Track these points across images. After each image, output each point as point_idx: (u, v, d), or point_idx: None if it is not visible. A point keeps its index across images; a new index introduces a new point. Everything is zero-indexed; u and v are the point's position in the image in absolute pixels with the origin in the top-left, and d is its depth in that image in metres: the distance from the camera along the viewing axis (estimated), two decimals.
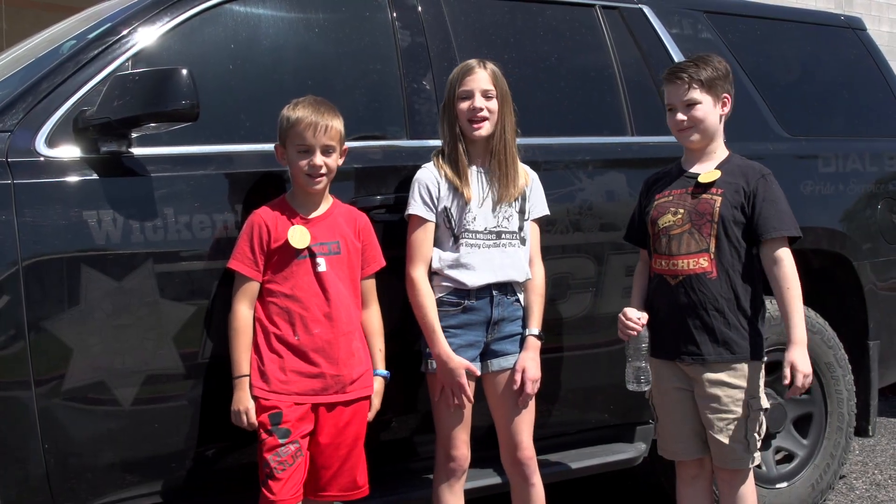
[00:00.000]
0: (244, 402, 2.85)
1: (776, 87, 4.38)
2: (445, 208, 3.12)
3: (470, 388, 3.13)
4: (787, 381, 3.02)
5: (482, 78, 3.13)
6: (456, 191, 3.12)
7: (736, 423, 3.09)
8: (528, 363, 3.15)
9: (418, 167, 3.25)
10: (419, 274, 3.09)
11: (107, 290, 2.76)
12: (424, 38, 3.47)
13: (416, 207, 3.10)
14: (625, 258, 3.60)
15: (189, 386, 2.93)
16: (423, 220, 3.10)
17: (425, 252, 3.11)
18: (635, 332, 3.10)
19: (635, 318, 3.12)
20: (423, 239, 3.11)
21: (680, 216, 3.12)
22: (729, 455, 3.10)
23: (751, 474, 3.19)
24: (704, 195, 3.12)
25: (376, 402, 3.04)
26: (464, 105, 3.12)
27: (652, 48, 4.03)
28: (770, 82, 4.36)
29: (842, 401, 4.14)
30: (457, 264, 3.12)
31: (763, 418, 3.15)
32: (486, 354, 3.18)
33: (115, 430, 2.84)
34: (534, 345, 3.18)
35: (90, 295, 2.74)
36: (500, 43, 3.70)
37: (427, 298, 3.08)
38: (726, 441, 3.09)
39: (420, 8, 3.51)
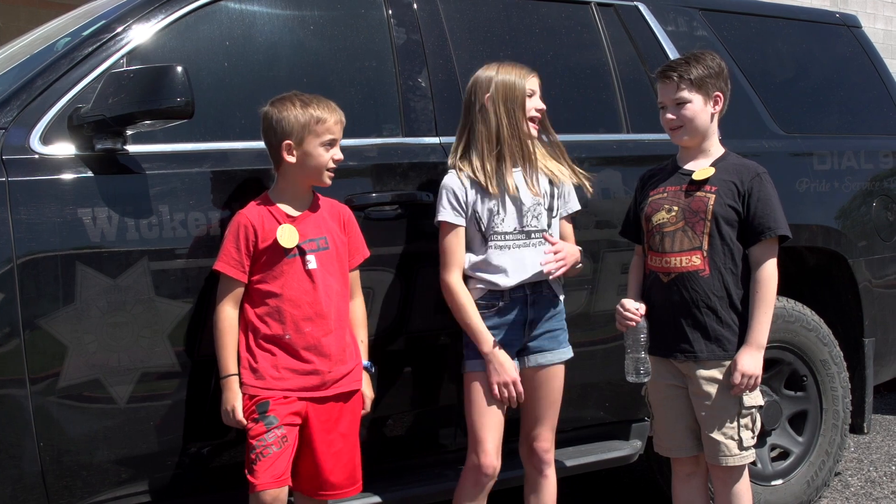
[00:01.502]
0: (231, 402, 2.85)
1: (771, 84, 4.39)
2: (475, 211, 3.12)
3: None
4: (731, 376, 3.06)
5: (537, 83, 3.20)
6: (485, 193, 3.12)
7: (729, 420, 3.09)
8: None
9: (414, 164, 3.26)
10: (455, 279, 3.11)
11: (102, 288, 2.76)
12: (420, 36, 3.46)
13: (445, 214, 3.11)
14: (620, 256, 3.60)
15: (184, 383, 2.92)
16: (454, 226, 3.11)
17: (459, 257, 3.12)
18: (633, 323, 3.09)
19: (633, 308, 3.11)
20: (455, 244, 3.11)
21: (674, 213, 3.12)
22: (723, 452, 3.10)
23: (745, 471, 3.19)
24: (698, 193, 3.12)
25: (369, 393, 3.05)
26: (530, 104, 3.17)
27: (647, 45, 4.03)
28: (765, 79, 4.36)
29: (837, 398, 4.15)
30: (487, 266, 3.13)
31: (757, 415, 3.15)
32: (524, 351, 3.18)
33: (111, 427, 2.84)
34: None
35: (85, 292, 2.74)
36: (496, 40, 3.69)
37: (467, 300, 3.10)
38: (720, 438, 3.09)
39: (415, 5, 3.50)
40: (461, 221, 3.12)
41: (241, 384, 2.85)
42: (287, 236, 2.87)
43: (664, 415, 3.22)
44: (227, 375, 2.85)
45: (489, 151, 3.13)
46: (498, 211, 3.12)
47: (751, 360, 3.05)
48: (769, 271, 3.08)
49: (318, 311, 2.89)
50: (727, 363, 3.09)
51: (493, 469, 3.13)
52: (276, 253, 2.87)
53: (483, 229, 3.13)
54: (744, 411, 3.10)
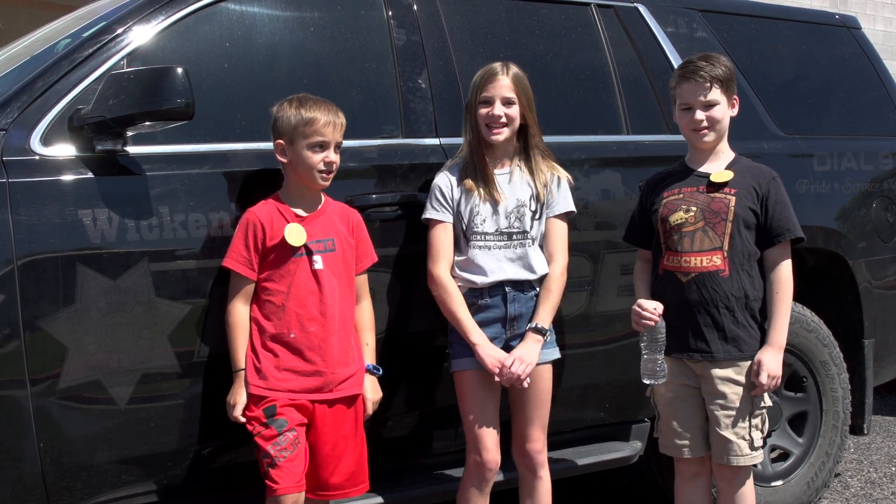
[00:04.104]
0: (235, 396, 2.86)
1: (771, 85, 4.39)
2: (459, 210, 3.16)
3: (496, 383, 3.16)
4: (754, 378, 3.07)
5: (504, 85, 3.16)
6: (468, 194, 3.15)
7: (742, 420, 3.10)
8: (519, 353, 3.11)
9: (414, 165, 3.27)
10: (442, 271, 3.14)
11: (102, 289, 2.76)
12: (420, 37, 3.47)
13: (430, 212, 3.17)
14: (620, 257, 3.60)
15: (184, 385, 2.93)
16: (439, 222, 3.16)
17: (447, 251, 3.16)
18: (652, 323, 3.08)
19: (651, 308, 3.10)
20: (442, 239, 3.16)
21: (693, 213, 3.12)
22: (734, 452, 3.10)
23: (751, 474, 3.19)
24: (717, 194, 3.12)
25: (373, 395, 3.04)
26: (483, 111, 3.16)
27: (647, 47, 4.03)
28: (765, 81, 4.36)
29: (837, 399, 4.15)
30: (469, 265, 3.16)
31: (766, 416, 3.17)
32: (506, 350, 3.18)
33: (111, 428, 2.83)
34: (531, 338, 3.15)
35: (86, 293, 2.74)
36: (496, 41, 3.70)
37: (455, 292, 3.13)
38: (732, 438, 3.10)
39: (415, 6, 3.50)
40: (446, 218, 3.16)
41: (246, 383, 2.86)
42: (295, 235, 2.88)
43: (673, 415, 3.21)
44: (238, 370, 2.87)
45: (470, 152, 3.20)
46: (479, 211, 3.15)
47: (774, 361, 3.08)
48: (787, 273, 3.12)
49: (322, 312, 2.90)
50: (742, 363, 3.10)
51: (495, 464, 3.16)
52: (284, 251, 2.88)
53: (465, 229, 3.16)
54: (756, 411, 3.12)
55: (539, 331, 3.16)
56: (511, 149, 3.23)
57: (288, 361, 2.87)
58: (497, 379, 3.11)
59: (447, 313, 3.14)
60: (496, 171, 3.20)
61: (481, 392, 3.16)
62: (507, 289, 3.16)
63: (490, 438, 3.15)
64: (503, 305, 3.16)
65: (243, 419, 2.86)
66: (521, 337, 3.17)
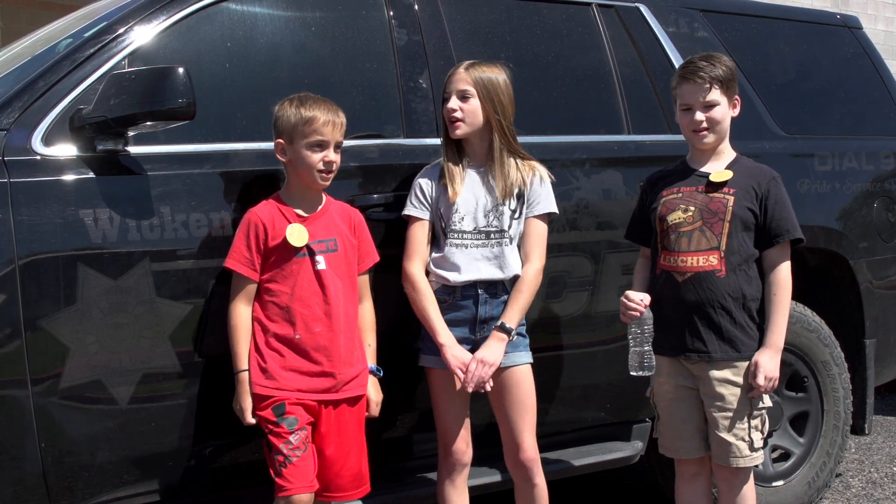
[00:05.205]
0: (242, 402, 2.85)
1: (772, 85, 4.39)
2: (437, 208, 3.15)
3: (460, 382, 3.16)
4: (752, 379, 3.07)
5: (460, 79, 3.14)
6: (446, 191, 3.15)
7: (741, 421, 3.09)
8: (481, 354, 3.08)
9: (415, 165, 3.27)
10: (416, 269, 3.12)
11: (103, 289, 2.76)
12: (421, 37, 3.47)
13: (408, 208, 3.16)
14: (621, 256, 3.60)
15: (186, 384, 2.93)
16: (417, 219, 3.14)
17: (421, 248, 3.14)
18: (638, 314, 3.08)
19: (637, 299, 3.10)
20: (418, 236, 3.14)
21: (690, 213, 3.12)
22: (733, 453, 3.10)
23: (752, 474, 3.19)
24: (716, 194, 3.12)
25: (375, 396, 3.04)
26: (445, 107, 3.16)
27: (648, 47, 4.03)
28: (766, 81, 4.36)
29: (838, 399, 4.15)
30: (442, 262, 3.15)
31: (766, 417, 3.16)
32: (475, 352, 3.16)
33: (112, 428, 2.84)
34: (496, 336, 3.12)
35: (87, 293, 2.74)
36: (497, 41, 3.70)
37: (427, 290, 3.11)
38: (731, 439, 3.09)
39: (417, 6, 3.51)
40: (424, 215, 3.15)
41: (250, 383, 2.86)
42: (296, 235, 2.87)
43: (672, 415, 3.21)
44: (240, 371, 2.87)
45: (445, 150, 3.19)
46: (457, 209, 3.14)
47: (771, 363, 3.07)
48: (785, 274, 3.11)
49: (327, 312, 2.90)
50: (739, 364, 3.09)
51: (462, 454, 3.19)
52: (286, 252, 2.88)
53: (443, 226, 3.16)
54: (755, 412, 3.11)
55: (504, 329, 3.12)
56: (484, 148, 3.20)
57: (294, 362, 2.87)
58: (460, 383, 3.08)
59: (417, 312, 3.13)
60: (471, 170, 3.18)
61: (450, 388, 3.16)
62: (479, 290, 3.15)
63: (459, 431, 3.18)
64: (474, 307, 3.15)
65: (254, 420, 2.85)
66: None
